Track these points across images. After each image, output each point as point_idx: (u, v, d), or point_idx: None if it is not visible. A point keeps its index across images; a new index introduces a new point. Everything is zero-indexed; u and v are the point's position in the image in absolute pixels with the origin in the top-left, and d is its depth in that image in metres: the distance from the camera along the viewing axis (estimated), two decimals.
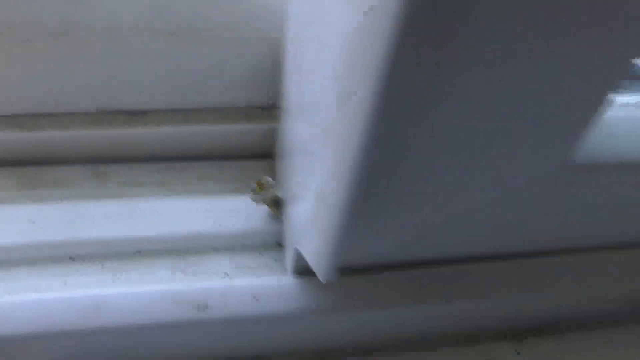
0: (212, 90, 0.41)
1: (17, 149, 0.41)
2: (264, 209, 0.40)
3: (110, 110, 0.41)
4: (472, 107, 0.27)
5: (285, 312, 0.37)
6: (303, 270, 0.37)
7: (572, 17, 0.24)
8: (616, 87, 0.30)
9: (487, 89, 0.27)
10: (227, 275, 0.39)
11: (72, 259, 0.39)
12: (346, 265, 0.37)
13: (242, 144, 0.43)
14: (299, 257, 0.36)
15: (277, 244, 0.40)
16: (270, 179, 0.38)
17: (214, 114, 0.42)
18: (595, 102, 0.30)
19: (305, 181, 0.33)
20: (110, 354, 0.39)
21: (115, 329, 0.36)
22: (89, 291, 0.37)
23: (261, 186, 0.38)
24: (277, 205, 0.39)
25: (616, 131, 0.35)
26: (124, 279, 0.38)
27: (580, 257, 0.42)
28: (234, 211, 0.40)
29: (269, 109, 0.42)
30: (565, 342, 0.45)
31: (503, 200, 0.34)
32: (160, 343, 0.39)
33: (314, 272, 0.35)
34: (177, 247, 0.40)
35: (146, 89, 0.41)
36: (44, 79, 0.39)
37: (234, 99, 0.42)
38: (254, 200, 0.38)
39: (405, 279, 0.38)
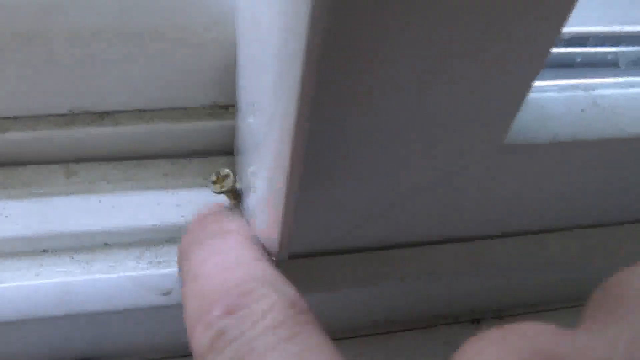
0: (178, 90, 0.44)
1: None
2: (224, 202, 0.42)
3: (81, 112, 0.44)
4: (403, 94, 0.30)
5: None
6: None
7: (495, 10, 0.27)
8: (537, 74, 0.32)
9: (415, 78, 0.29)
10: None
11: (45, 251, 0.41)
12: (303, 250, 0.39)
13: (207, 141, 0.45)
14: None
15: None
16: (228, 171, 0.40)
17: (179, 113, 0.44)
18: (521, 86, 0.33)
19: (256, 170, 0.36)
20: (81, 338, 0.41)
21: (84, 315, 0.39)
22: (59, 279, 0.39)
23: (220, 177, 0.40)
24: (235, 195, 0.41)
25: (548, 111, 0.38)
26: (93, 269, 0.41)
27: (528, 240, 0.44)
28: (197, 204, 0.43)
29: (231, 107, 0.45)
30: None
31: (441, 183, 0.37)
32: (128, 327, 0.41)
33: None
34: (143, 238, 0.42)
35: (114, 91, 0.43)
36: (17, 84, 0.42)
37: (198, 98, 0.44)
38: (214, 191, 0.40)
39: (356, 261, 0.40)
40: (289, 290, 0.29)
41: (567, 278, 0.46)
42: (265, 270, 0.31)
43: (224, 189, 0.40)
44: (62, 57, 0.41)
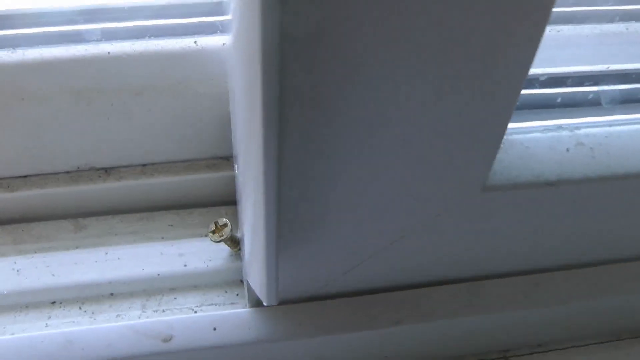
0: (177, 144, 0.46)
1: (5, 209, 0.46)
2: (227, 250, 0.44)
3: (86, 169, 0.46)
4: (373, 142, 0.31)
5: (242, 340, 0.40)
6: (260, 302, 0.41)
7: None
8: (510, 116, 0.33)
9: (389, 128, 0.31)
10: (193, 311, 0.42)
11: (54, 302, 0.43)
12: (296, 295, 0.40)
13: (207, 193, 0.47)
14: (252, 289, 0.39)
15: (240, 281, 0.44)
16: (226, 220, 0.42)
17: (179, 167, 0.46)
18: (497, 129, 0.34)
19: (244, 221, 0.37)
20: None
21: None
22: (64, 329, 0.40)
23: (218, 227, 0.42)
24: (234, 243, 0.43)
25: (531, 152, 0.38)
26: (100, 319, 0.42)
27: (525, 279, 0.44)
28: (200, 253, 0.44)
29: (230, 158, 0.47)
30: None
31: (425, 227, 0.37)
32: None
33: None
34: (148, 287, 0.44)
35: (117, 147, 0.45)
36: (25, 145, 0.44)
37: (197, 151, 0.46)
38: (212, 240, 0.42)
39: (352, 305, 0.41)
40: None
41: (568, 317, 0.46)
42: None
43: (222, 238, 0.42)
44: (66, 116, 0.43)
